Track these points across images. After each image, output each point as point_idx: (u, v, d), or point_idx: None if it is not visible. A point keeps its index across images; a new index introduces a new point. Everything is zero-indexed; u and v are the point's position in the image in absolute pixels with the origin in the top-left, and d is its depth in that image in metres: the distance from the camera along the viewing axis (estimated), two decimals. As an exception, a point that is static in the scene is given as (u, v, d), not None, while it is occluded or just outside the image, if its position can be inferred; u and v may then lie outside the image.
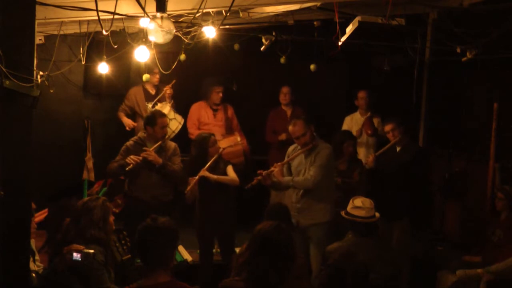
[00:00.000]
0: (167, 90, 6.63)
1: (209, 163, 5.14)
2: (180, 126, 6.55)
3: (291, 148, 5.21)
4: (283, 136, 6.68)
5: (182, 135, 6.57)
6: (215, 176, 5.12)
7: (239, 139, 6.55)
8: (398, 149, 5.67)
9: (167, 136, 5.54)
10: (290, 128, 4.99)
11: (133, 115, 6.85)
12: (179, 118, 6.57)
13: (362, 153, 6.52)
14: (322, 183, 4.91)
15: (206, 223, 5.25)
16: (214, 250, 5.54)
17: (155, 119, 5.35)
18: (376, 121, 6.66)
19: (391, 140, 5.65)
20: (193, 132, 6.70)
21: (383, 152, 5.71)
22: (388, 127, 5.66)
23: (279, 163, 5.05)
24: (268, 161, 6.69)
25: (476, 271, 4.81)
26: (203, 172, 5.09)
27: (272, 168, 4.99)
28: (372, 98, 6.77)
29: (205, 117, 6.72)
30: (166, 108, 6.43)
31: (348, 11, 5.50)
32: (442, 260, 5.50)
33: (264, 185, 5.06)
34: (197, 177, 5.09)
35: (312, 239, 4.96)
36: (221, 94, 6.67)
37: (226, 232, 5.32)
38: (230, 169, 5.27)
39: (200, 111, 6.73)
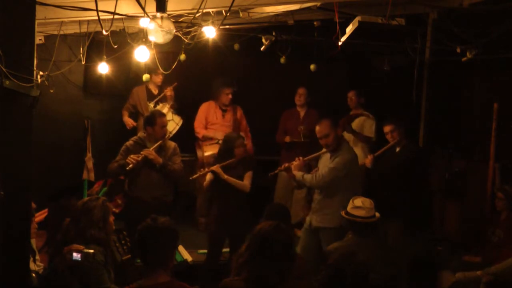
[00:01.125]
0: (168, 92, 6.64)
1: (228, 162, 5.16)
2: (177, 128, 6.56)
3: None
4: (287, 139, 6.71)
5: (183, 135, 6.57)
6: (225, 176, 5.13)
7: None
8: (397, 149, 5.66)
9: (166, 136, 5.53)
10: (316, 127, 4.99)
11: (136, 113, 6.86)
12: (177, 120, 6.58)
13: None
14: (334, 187, 4.89)
15: (222, 223, 5.24)
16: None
17: (155, 119, 5.35)
18: (360, 119, 6.63)
19: (390, 142, 5.64)
20: (200, 131, 6.72)
21: (382, 153, 5.70)
22: (387, 128, 5.64)
23: (301, 158, 5.09)
24: (280, 161, 6.71)
25: (475, 273, 4.80)
26: (216, 168, 5.12)
27: (293, 162, 5.06)
28: (362, 98, 6.77)
29: (214, 117, 6.73)
30: (164, 109, 6.44)
31: (348, 11, 5.49)
32: (442, 260, 5.49)
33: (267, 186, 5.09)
34: (208, 170, 5.12)
35: (322, 242, 4.96)
36: (230, 96, 6.68)
37: (238, 233, 5.28)
38: (248, 175, 5.26)
39: (209, 111, 6.75)
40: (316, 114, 6.61)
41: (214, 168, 5.12)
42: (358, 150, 6.49)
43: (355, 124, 6.60)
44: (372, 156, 5.71)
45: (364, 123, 6.64)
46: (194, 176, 5.14)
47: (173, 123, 6.53)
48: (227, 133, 5.63)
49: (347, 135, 6.50)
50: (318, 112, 6.77)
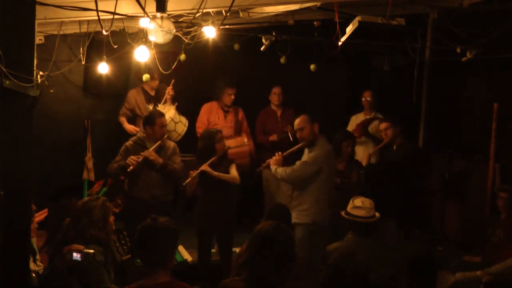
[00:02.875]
0: (169, 91, 6.61)
1: (212, 159, 5.13)
2: (185, 129, 6.53)
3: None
4: (274, 137, 6.69)
5: (185, 135, 6.55)
6: (215, 173, 5.11)
7: (246, 140, 6.58)
8: (394, 148, 5.68)
9: (166, 136, 5.52)
10: (295, 120, 5.10)
11: (134, 117, 6.84)
12: (184, 120, 6.55)
13: (360, 153, 6.56)
14: (308, 183, 4.93)
15: (206, 220, 5.23)
16: (213, 250, 5.53)
17: (154, 118, 5.35)
18: (375, 123, 6.66)
19: (384, 139, 5.67)
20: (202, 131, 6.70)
21: (378, 151, 5.73)
22: (382, 126, 5.72)
23: (280, 153, 5.15)
24: (259, 161, 6.70)
25: (475, 273, 4.81)
26: (205, 167, 5.09)
27: (274, 157, 5.12)
28: (376, 98, 6.78)
29: (216, 118, 6.72)
30: (171, 111, 6.39)
31: (348, 11, 5.50)
32: (442, 260, 5.49)
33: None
34: (197, 171, 5.10)
35: (295, 238, 4.99)
36: (233, 96, 6.67)
37: (225, 230, 5.30)
38: (233, 168, 5.25)
39: (211, 111, 6.74)
40: (293, 113, 6.58)
41: (202, 168, 5.09)
42: (366, 152, 6.53)
43: (370, 128, 6.63)
44: (368, 154, 5.73)
45: (378, 127, 6.66)
46: (187, 182, 5.13)
47: (182, 125, 6.49)
48: (204, 130, 5.54)
49: (362, 138, 6.55)
50: (295, 110, 6.74)
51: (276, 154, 5.13)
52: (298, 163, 4.95)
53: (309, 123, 4.98)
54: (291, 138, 6.38)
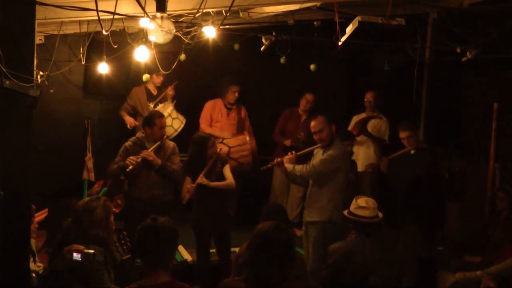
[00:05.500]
0: (170, 91, 6.63)
1: (206, 169, 5.11)
2: (182, 126, 6.57)
3: None
4: (288, 142, 6.71)
5: (183, 135, 6.56)
6: (212, 184, 5.11)
7: (248, 138, 6.60)
8: (412, 152, 5.58)
9: (165, 136, 5.52)
10: (312, 122, 5.07)
11: (134, 114, 6.86)
12: (181, 118, 6.59)
13: (361, 153, 6.55)
14: (324, 181, 4.94)
15: (203, 222, 5.24)
16: (211, 250, 5.53)
17: (153, 119, 5.35)
18: (375, 121, 6.64)
19: (406, 146, 5.58)
20: (204, 128, 6.73)
21: (398, 157, 5.62)
22: (403, 134, 5.55)
23: (294, 152, 5.15)
24: (273, 158, 6.71)
25: (475, 273, 4.81)
26: (201, 180, 5.08)
27: (286, 156, 5.11)
28: (379, 99, 6.76)
29: (218, 115, 6.75)
30: (169, 107, 6.43)
31: (348, 11, 5.50)
32: (442, 260, 5.49)
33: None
34: (194, 185, 5.10)
35: (309, 237, 5.00)
36: (237, 94, 6.70)
37: (222, 231, 5.30)
38: (227, 169, 5.24)
39: (215, 108, 6.77)
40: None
41: (199, 181, 5.07)
42: (370, 152, 6.51)
43: (369, 127, 6.60)
44: (387, 159, 5.64)
45: (379, 126, 6.64)
46: (186, 199, 5.15)
47: (178, 121, 6.54)
48: (195, 134, 5.46)
49: (362, 138, 6.52)
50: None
51: (289, 153, 5.14)
52: (318, 160, 4.94)
53: (327, 124, 4.96)
54: (300, 145, 6.38)
